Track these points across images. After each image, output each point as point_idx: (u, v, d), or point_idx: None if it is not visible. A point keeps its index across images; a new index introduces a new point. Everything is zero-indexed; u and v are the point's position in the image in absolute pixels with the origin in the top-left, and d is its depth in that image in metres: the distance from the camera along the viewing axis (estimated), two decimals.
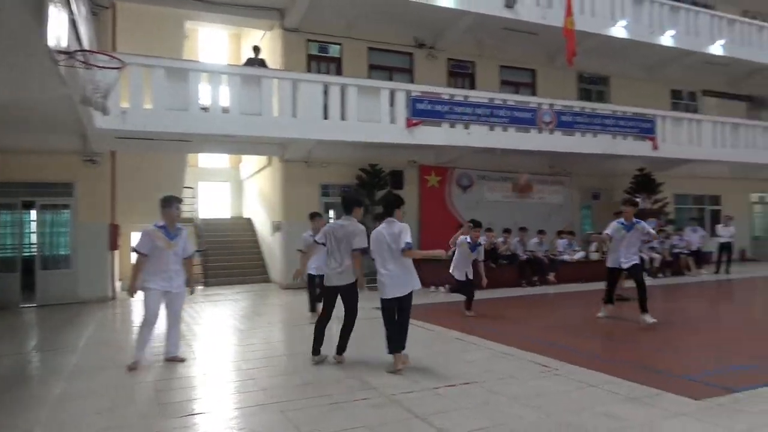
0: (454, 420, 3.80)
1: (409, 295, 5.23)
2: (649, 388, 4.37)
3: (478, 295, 10.31)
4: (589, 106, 14.86)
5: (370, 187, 13.19)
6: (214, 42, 18.02)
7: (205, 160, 18.88)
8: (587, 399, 4.17)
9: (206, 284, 13.74)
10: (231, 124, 10.68)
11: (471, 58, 15.52)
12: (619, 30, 15.26)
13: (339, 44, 13.94)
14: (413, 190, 14.20)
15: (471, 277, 8.49)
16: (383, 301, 5.25)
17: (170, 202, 5.74)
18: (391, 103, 12.15)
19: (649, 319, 7.21)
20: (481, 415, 3.87)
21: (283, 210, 13.04)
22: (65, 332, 7.77)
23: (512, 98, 13.80)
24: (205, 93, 10.70)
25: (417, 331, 7.24)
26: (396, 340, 5.17)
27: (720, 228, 15.49)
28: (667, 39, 16.06)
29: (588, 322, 7.92)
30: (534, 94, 15.78)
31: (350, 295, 5.44)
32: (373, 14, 13.60)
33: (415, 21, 14.05)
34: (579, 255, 13.64)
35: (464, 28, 14.13)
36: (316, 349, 5.50)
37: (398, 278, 5.15)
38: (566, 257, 13.35)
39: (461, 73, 15.55)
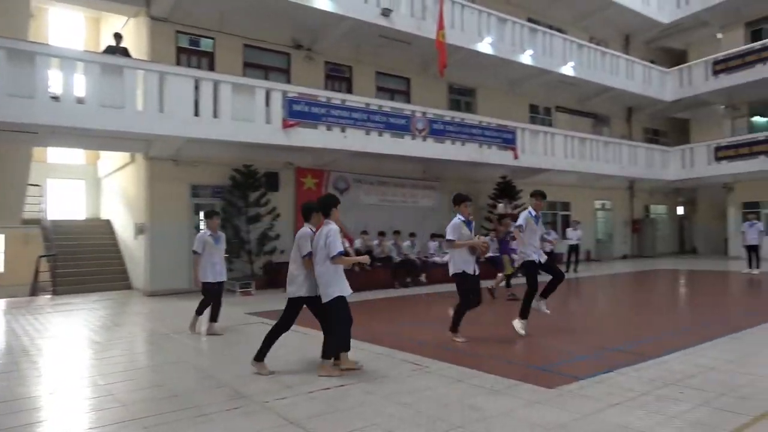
0: (329, 423, 3.80)
1: (328, 301, 5.09)
2: (509, 380, 4.70)
3: (352, 297, 10.46)
4: (458, 115, 15.74)
5: (244, 189, 12.79)
6: (68, 25, 16.36)
7: (56, 155, 17.05)
8: (455, 394, 4.39)
9: (55, 293, 12.39)
10: (87, 117, 9.73)
11: (348, 63, 15.70)
12: (485, 46, 16.33)
13: (212, 38, 13.35)
14: (289, 193, 14.02)
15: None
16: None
17: None
18: (267, 103, 11.88)
19: (544, 307, 7.15)
20: (355, 417, 3.91)
21: (148, 211, 12.17)
22: None
23: (388, 104, 14.17)
24: (56, 80, 9.65)
25: (291, 334, 7.13)
26: (265, 347, 5.21)
27: (569, 231, 17.23)
28: (526, 57, 17.50)
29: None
30: (408, 101, 16.35)
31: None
32: (249, 10, 13.22)
33: (293, 21, 13.91)
34: (448, 256, 14.34)
35: (342, 32, 14.26)
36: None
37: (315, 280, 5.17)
38: (437, 259, 13.99)
39: (338, 77, 15.67)
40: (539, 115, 20.81)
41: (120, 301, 11.35)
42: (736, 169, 19.89)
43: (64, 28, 16.25)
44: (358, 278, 11.82)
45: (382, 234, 13.39)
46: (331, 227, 5.12)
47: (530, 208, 7.10)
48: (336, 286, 5.05)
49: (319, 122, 12.53)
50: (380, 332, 7.22)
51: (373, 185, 15.73)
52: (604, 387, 4.48)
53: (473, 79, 18.22)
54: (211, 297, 7.44)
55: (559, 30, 19.81)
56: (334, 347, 5.11)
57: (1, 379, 5.23)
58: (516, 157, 16.44)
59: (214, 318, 7.45)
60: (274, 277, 12.85)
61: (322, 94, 12.93)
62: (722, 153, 20.28)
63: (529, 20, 18.77)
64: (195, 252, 7.40)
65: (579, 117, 22.03)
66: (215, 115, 11.15)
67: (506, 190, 17.16)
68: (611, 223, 23.23)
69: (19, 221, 14.24)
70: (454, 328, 6.56)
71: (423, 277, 13.10)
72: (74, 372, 5.49)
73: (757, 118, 21.92)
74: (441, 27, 14.23)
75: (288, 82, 13.90)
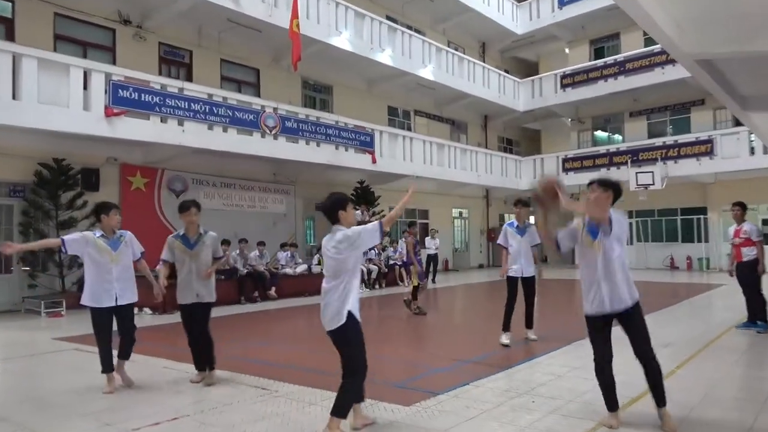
0: None
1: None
2: (367, 399, 4.77)
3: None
4: (313, 113, 15.81)
5: (54, 187, 11.55)
6: None
7: None
8: (307, 418, 4.35)
9: None
10: None
11: (188, 47, 15.00)
12: (342, 41, 16.61)
13: (11, 1, 11.91)
14: (113, 193, 12.93)
15: None
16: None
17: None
18: (86, 86, 10.89)
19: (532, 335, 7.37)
20: None
21: None
22: None
23: (234, 96, 13.78)
24: None
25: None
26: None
27: (428, 240, 18.11)
28: (385, 57, 18.14)
29: (309, 337, 8.32)
30: (258, 94, 16.06)
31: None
32: None
33: None
34: (301, 268, 14.29)
35: (180, 10, 13.60)
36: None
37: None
38: (288, 270, 13.84)
39: (176, 62, 14.91)
40: (398, 118, 21.69)
41: None
42: (581, 180, 22.49)
43: None
44: None
45: (225, 242, 12.88)
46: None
47: (513, 220, 7.50)
48: None
49: (151, 112, 11.79)
50: (223, 354, 6.92)
51: (216, 187, 15.15)
52: (460, 401, 4.74)
53: (330, 75, 18.43)
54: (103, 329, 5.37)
55: (418, 31, 20.85)
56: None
57: None
58: (374, 161, 16.92)
59: (124, 355, 5.52)
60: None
61: (156, 80, 12.21)
62: (569, 164, 22.80)
63: (388, 18, 19.50)
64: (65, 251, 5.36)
65: (437, 122, 23.37)
66: (15, 96, 9.94)
67: (364, 196, 17.57)
68: (468, 232, 24.90)
69: None
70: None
71: (273, 291, 12.87)
72: None
73: (599, 132, 25.02)
74: (295, 16, 14.19)
75: (113, 62, 12.90)
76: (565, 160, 23.04)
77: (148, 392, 5.21)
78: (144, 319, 10.20)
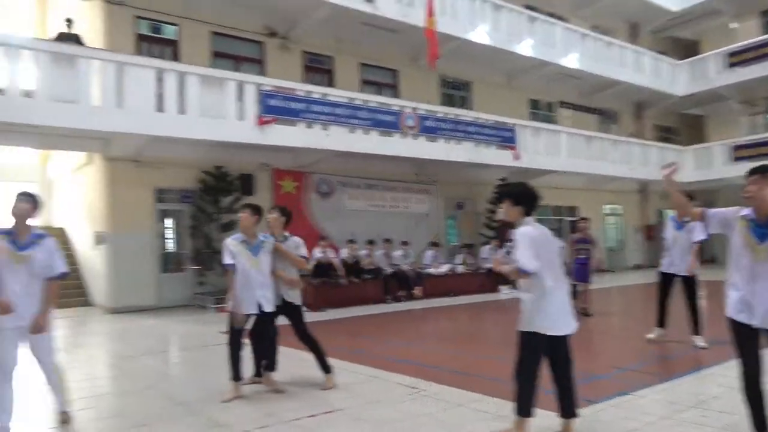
0: None
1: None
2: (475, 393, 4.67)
3: (340, 313, 10.41)
4: (452, 111, 15.77)
5: (215, 193, 12.67)
6: (12, 8, 16.13)
7: (5, 155, 16.74)
8: (455, 419, 4.34)
9: None
10: (36, 112, 9.56)
11: (329, 53, 15.67)
12: (480, 35, 16.42)
13: (175, 25, 13.27)
14: (266, 197, 13.89)
15: None
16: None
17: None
18: (240, 98, 11.80)
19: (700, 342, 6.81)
20: None
21: (108, 218, 11.99)
22: None
23: (374, 99, 14.16)
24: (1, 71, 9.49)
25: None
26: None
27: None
28: (525, 48, 17.63)
29: (457, 337, 8.32)
30: (397, 95, 16.36)
31: None
32: None
33: (266, 6, 13.89)
34: (445, 267, 14.34)
35: (321, 19, 14.23)
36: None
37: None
38: (432, 270, 13.96)
39: (319, 69, 15.64)
40: (541, 111, 20.96)
41: (78, 319, 11.15)
42: None
43: (9, 12, 16.01)
44: (344, 293, 11.81)
45: (370, 243, 13.32)
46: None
47: (673, 214, 7.03)
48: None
49: (297, 119, 12.48)
50: (371, 352, 7.16)
51: (360, 189, 15.68)
52: (620, 411, 4.46)
53: (468, 71, 18.30)
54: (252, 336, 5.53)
55: (560, 18, 19.99)
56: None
57: None
58: (516, 158, 16.51)
59: (269, 366, 5.52)
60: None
61: (301, 88, 12.88)
62: (741, 153, 20.50)
63: (527, 7, 18.89)
64: (227, 266, 5.33)
65: (584, 113, 22.23)
66: (181, 110, 11.04)
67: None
68: (622, 230, 23.40)
69: None
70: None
71: (418, 290, 13.03)
72: (34, 398, 5.35)
73: None
74: (431, 14, 14.26)
75: (262, 74, 13.86)
76: (737, 148, 20.78)
77: (302, 386, 5.51)
78: None
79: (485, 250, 15.12)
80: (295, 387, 5.45)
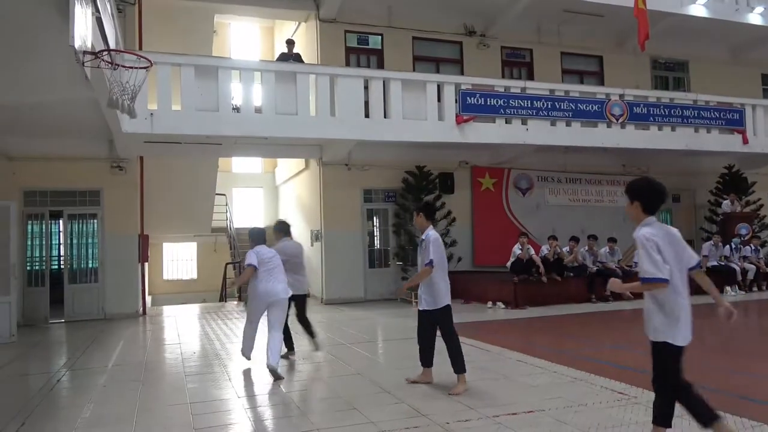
0: None
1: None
2: (747, 420, 4.15)
3: (541, 311, 10.15)
4: (665, 95, 14.41)
5: (417, 192, 13.17)
6: (245, 37, 18.47)
7: (239, 164, 19.32)
8: (671, 431, 3.99)
9: (241, 299, 14.01)
10: (265, 125, 10.87)
11: (528, 46, 15.33)
12: (698, 8, 14.78)
13: (380, 35, 14.03)
14: (465, 194, 14.10)
15: None
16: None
17: None
18: (439, 99, 12.11)
19: None
20: None
21: (322, 218, 13.16)
22: (94, 350, 8.05)
23: (576, 89, 13.53)
24: (236, 92, 10.96)
25: (471, 350, 7.15)
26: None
27: None
28: (755, 17, 15.44)
29: None
30: (601, 83, 15.45)
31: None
32: (416, 0, 13.65)
33: (464, 6, 14.02)
34: None
35: (520, 11, 13.98)
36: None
37: None
38: None
39: (517, 63, 15.39)
40: None
41: None
42: None
43: (241, 41, 18.36)
44: (546, 290, 11.48)
45: (574, 239, 12.75)
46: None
47: None
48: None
49: (496, 115, 12.42)
50: (575, 354, 6.88)
51: (561, 183, 15.12)
52: None
53: (684, 49, 16.56)
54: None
55: None
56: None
57: (198, 380, 6.06)
58: (746, 142, 14.50)
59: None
60: (451, 286, 13.00)
61: (499, 84, 12.79)
62: None
63: None
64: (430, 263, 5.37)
65: None
66: (386, 114, 11.68)
67: (733, 184, 15.24)
68: None
69: (209, 230, 16.40)
70: None
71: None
72: (260, 378, 6.14)
73: None
74: None
75: (461, 73, 14.05)
76: None
77: (504, 383, 5.50)
78: (498, 313, 10.84)
79: (706, 247, 13.55)
80: (499, 383, 5.47)
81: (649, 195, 3.56)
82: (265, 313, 6.25)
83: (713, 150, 14.37)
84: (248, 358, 6.58)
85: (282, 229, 7.35)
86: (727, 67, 17.07)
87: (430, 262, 5.29)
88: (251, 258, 6.16)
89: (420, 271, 5.39)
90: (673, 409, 3.51)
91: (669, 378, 3.47)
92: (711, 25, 15.35)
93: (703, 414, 3.38)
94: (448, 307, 5.42)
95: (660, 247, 3.37)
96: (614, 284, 3.68)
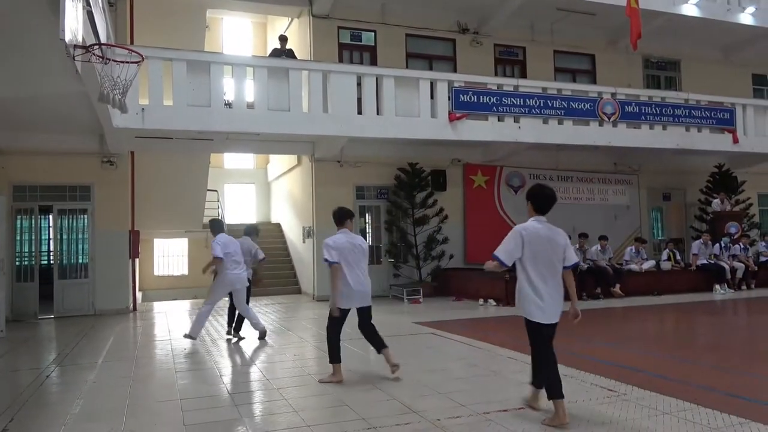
0: None
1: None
2: (733, 417, 4.19)
3: None
4: (657, 94, 14.50)
5: (410, 189, 13.17)
6: (237, 32, 18.39)
7: (231, 160, 19.25)
8: (660, 428, 4.03)
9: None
10: (257, 121, 10.84)
11: (521, 44, 15.36)
12: (690, 8, 14.87)
13: (373, 31, 14.01)
14: (458, 192, 14.12)
15: None
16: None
17: None
18: (432, 96, 12.12)
19: None
20: None
21: (314, 214, 13.14)
22: (84, 346, 8.01)
23: (568, 87, 13.57)
24: (229, 88, 10.92)
25: (462, 348, 7.18)
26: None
27: None
28: (746, 17, 15.54)
29: (662, 340, 7.69)
30: (593, 82, 15.51)
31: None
32: None
33: (458, 3, 14.03)
34: (648, 264, 13.26)
35: (513, 9, 14.01)
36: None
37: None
38: (633, 267, 13.00)
39: (510, 60, 15.41)
40: (767, 87, 18.29)
41: (290, 305, 12.42)
42: None
43: (234, 37, 18.28)
44: None
45: None
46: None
47: None
48: None
49: (488, 113, 12.44)
50: (564, 350, 6.91)
51: (553, 181, 15.14)
52: None
53: (676, 49, 16.66)
54: None
55: None
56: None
57: (188, 377, 6.05)
58: (736, 141, 14.61)
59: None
60: (442, 284, 13.07)
61: (492, 81, 12.82)
62: None
63: None
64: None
65: None
66: (378, 111, 11.67)
67: (723, 182, 15.36)
68: None
69: (200, 226, 16.34)
70: None
71: (617, 288, 12.20)
72: (250, 374, 6.13)
73: None
74: None
75: (454, 70, 14.06)
76: None
77: (495, 380, 5.53)
78: (489, 310, 10.87)
79: (696, 245, 13.66)
80: (490, 380, 5.49)
81: (537, 198, 4.35)
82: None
83: (704, 149, 14.47)
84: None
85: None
86: (719, 67, 17.18)
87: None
88: None
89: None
90: (558, 379, 4.14)
91: (535, 349, 4.30)
92: (703, 25, 15.44)
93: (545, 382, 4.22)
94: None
95: (525, 240, 4.16)
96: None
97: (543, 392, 4.31)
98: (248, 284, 8.26)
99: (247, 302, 8.24)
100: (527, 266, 4.19)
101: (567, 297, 4.43)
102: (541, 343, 4.25)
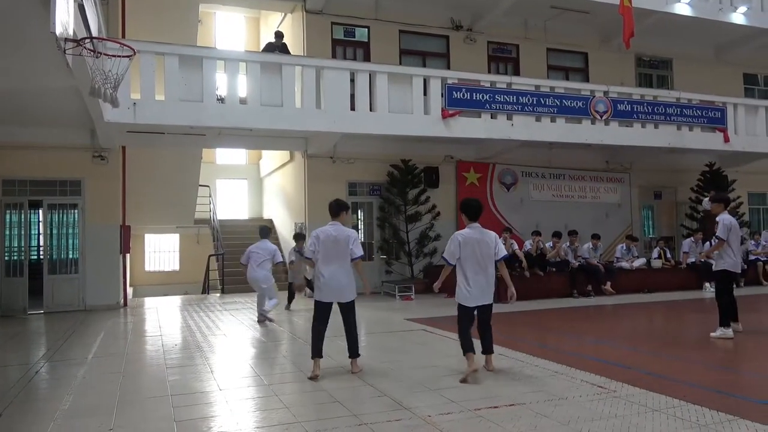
0: None
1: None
2: (721, 414, 4.22)
3: (523, 306, 10.21)
4: (649, 93, 14.56)
5: (402, 186, 13.17)
6: (230, 27, 18.30)
7: (223, 155, 19.18)
8: (649, 425, 4.05)
9: (223, 291, 13.93)
10: (250, 117, 10.80)
11: (514, 41, 15.38)
12: (682, 7, 14.93)
13: (366, 27, 13.99)
14: (450, 189, 14.14)
15: None
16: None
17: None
18: (425, 92, 12.11)
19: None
20: None
21: (307, 210, 13.12)
22: (74, 342, 7.97)
23: (561, 85, 13.61)
24: (221, 83, 10.86)
25: (453, 344, 7.18)
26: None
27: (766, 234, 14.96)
28: (738, 17, 15.63)
29: (653, 337, 7.73)
30: (586, 80, 15.57)
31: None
32: None
33: (452, 0, 14.01)
34: (639, 262, 13.33)
35: (507, 7, 14.02)
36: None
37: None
38: (625, 264, 13.06)
39: (503, 58, 15.43)
40: (758, 86, 18.44)
41: (282, 301, 12.36)
42: None
43: (227, 31, 18.20)
44: (528, 285, 11.55)
45: (556, 235, 12.85)
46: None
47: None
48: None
49: (481, 110, 12.46)
50: (555, 347, 6.95)
51: (546, 179, 15.22)
52: None
53: (669, 47, 16.75)
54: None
55: None
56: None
57: (179, 372, 6.03)
58: (727, 140, 14.71)
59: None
60: (434, 281, 13.05)
61: (485, 79, 12.83)
62: None
63: None
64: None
65: None
66: (371, 108, 11.66)
67: (714, 181, 15.46)
68: None
69: (191, 221, 16.29)
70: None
71: (608, 286, 12.26)
72: (242, 370, 6.12)
73: None
74: None
75: (447, 67, 14.06)
76: None
77: (486, 376, 5.53)
78: None
79: (686, 244, 13.73)
80: (480, 377, 5.50)
81: (468, 209, 5.56)
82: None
83: (695, 148, 14.56)
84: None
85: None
86: (710, 66, 17.28)
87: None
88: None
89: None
90: (470, 341, 5.38)
91: (460, 325, 5.53)
92: (695, 24, 15.52)
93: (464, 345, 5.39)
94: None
95: (461, 243, 5.44)
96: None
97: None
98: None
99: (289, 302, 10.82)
100: (463, 264, 5.43)
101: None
102: (465, 321, 5.51)
